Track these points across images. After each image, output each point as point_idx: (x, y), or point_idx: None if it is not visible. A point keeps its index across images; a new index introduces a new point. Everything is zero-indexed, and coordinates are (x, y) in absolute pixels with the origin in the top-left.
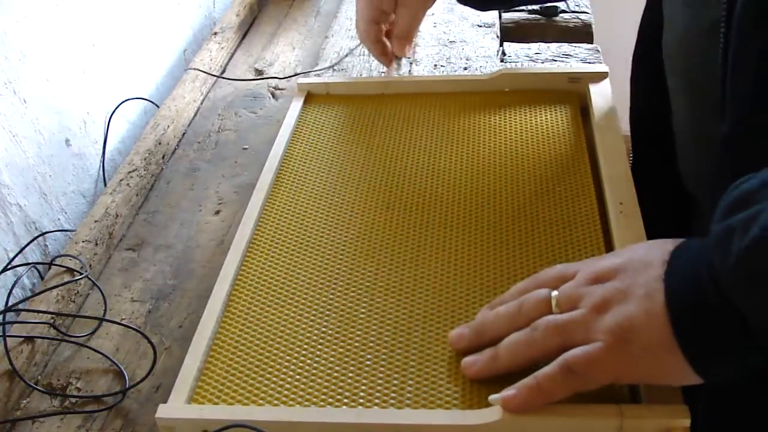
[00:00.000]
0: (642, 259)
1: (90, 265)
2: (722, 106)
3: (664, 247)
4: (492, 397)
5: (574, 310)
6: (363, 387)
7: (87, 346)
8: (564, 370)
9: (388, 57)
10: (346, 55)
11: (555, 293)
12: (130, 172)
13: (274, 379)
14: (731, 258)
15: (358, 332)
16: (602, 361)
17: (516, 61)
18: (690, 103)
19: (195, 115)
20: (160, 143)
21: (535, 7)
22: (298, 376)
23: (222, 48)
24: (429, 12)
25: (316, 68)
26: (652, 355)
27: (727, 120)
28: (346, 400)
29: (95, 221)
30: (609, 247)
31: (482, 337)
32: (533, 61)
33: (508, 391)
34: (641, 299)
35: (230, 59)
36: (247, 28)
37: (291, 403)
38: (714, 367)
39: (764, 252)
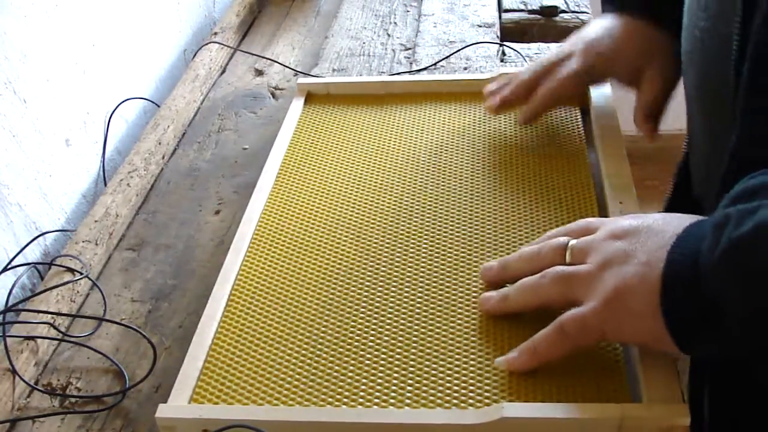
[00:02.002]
0: (657, 226)
1: (90, 265)
2: (732, 118)
3: (683, 220)
4: (497, 360)
5: (583, 263)
6: (363, 387)
7: (87, 346)
8: (558, 331)
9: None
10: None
11: (573, 242)
12: (130, 172)
13: (274, 379)
14: (718, 248)
15: (358, 332)
16: (592, 320)
17: (516, 61)
18: (702, 114)
19: (195, 115)
20: (160, 143)
21: (536, 7)
22: (298, 376)
23: (222, 48)
24: (429, 12)
25: (316, 68)
26: (638, 319)
27: (736, 133)
28: (345, 400)
29: (95, 221)
30: None
31: (505, 272)
32: (533, 61)
33: (511, 354)
34: (640, 265)
35: (230, 59)
36: (247, 28)
37: (291, 403)
38: (694, 344)
39: (751, 249)
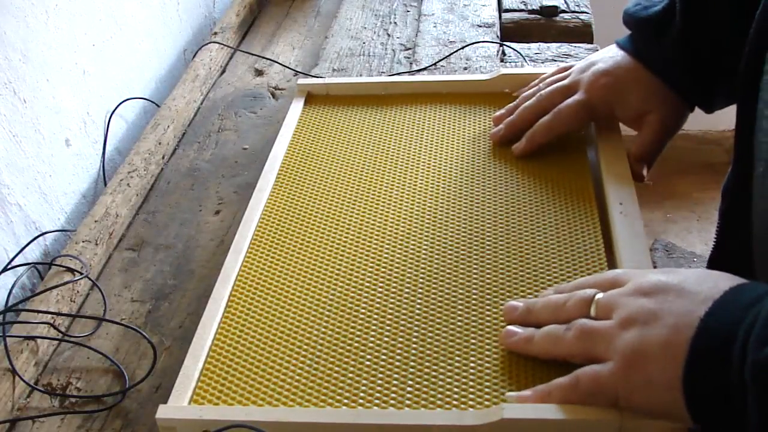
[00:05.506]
0: (691, 286)
1: (90, 265)
2: None
3: (720, 283)
4: (509, 395)
5: (608, 318)
6: (363, 387)
7: (87, 346)
8: (574, 384)
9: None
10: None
11: (599, 296)
12: (130, 172)
13: (274, 379)
14: (765, 352)
15: (358, 332)
16: (607, 381)
17: (516, 61)
18: None
19: (195, 115)
20: (160, 143)
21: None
22: (298, 376)
23: (222, 48)
24: (429, 12)
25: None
26: (652, 389)
27: None
28: (346, 401)
29: (95, 221)
30: (609, 247)
31: (529, 317)
32: (533, 61)
33: (525, 393)
34: (667, 328)
35: (230, 59)
36: (247, 28)
37: (291, 403)
38: (711, 422)
39: None
